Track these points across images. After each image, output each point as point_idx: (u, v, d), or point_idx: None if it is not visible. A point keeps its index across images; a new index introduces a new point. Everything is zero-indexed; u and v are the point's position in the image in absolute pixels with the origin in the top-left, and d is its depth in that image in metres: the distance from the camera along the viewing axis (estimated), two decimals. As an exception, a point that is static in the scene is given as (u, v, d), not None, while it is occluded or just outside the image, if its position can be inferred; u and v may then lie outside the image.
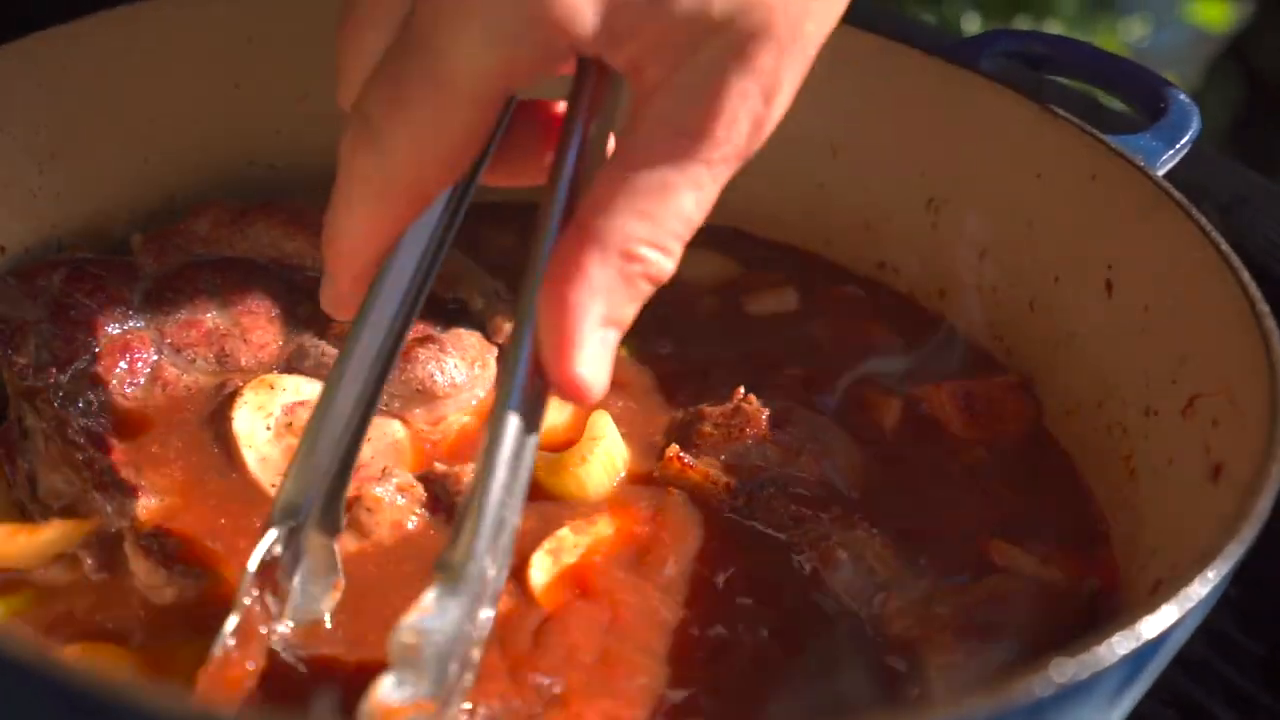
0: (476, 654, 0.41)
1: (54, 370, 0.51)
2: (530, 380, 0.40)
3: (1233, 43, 1.38)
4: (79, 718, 0.30)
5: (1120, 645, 0.33)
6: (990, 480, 0.59)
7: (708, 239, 0.69)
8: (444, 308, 0.61)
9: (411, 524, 0.51)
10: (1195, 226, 0.54)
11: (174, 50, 0.65)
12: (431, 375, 0.56)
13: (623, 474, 0.55)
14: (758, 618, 0.49)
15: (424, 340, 0.57)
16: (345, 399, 0.43)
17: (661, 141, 0.40)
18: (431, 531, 0.51)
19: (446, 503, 0.52)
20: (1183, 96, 0.62)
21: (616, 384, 0.56)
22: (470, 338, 0.59)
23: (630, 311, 0.41)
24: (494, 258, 0.65)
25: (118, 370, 0.52)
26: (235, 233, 0.59)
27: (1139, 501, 0.54)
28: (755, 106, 0.41)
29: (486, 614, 0.41)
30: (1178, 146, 0.60)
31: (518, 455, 0.40)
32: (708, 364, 0.63)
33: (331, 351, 0.56)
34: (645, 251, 0.40)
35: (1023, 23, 1.80)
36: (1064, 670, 0.32)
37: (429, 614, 0.39)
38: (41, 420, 0.48)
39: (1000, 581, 0.52)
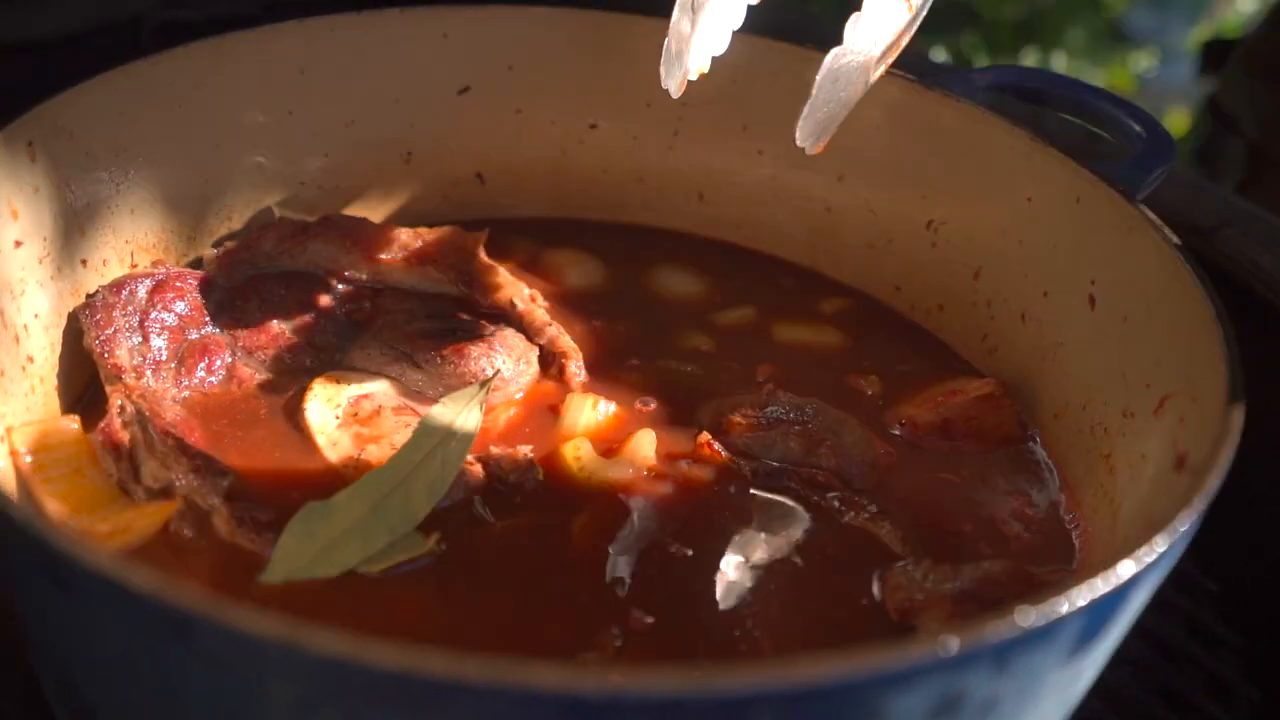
0: None
1: (145, 371, 0.57)
2: None
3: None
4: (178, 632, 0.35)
5: (1079, 597, 0.38)
6: (984, 477, 0.64)
7: (728, 264, 0.76)
8: (487, 313, 0.66)
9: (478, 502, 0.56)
10: (1167, 245, 0.59)
11: (234, 82, 0.70)
12: (484, 369, 0.62)
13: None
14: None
15: (475, 339, 0.63)
16: None
17: None
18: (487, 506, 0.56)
19: (501, 479, 0.57)
20: (1160, 128, 0.67)
21: (657, 389, 0.64)
22: (515, 338, 0.64)
23: None
24: (527, 268, 0.72)
25: (199, 370, 0.58)
26: (296, 247, 0.65)
27: (1116, 495, 0.59)
28: None
29: None
30: (1155, 174, 0.66)
31: None
32: (737, 365, 0.69)
33: (381, 351, 0.62)
34: None
35: (1030, 55, 1.86)
36: (1026, 616, 0.37)
37: None
38: (137, 415, 0.54)
39: (993, 565, 0.57)
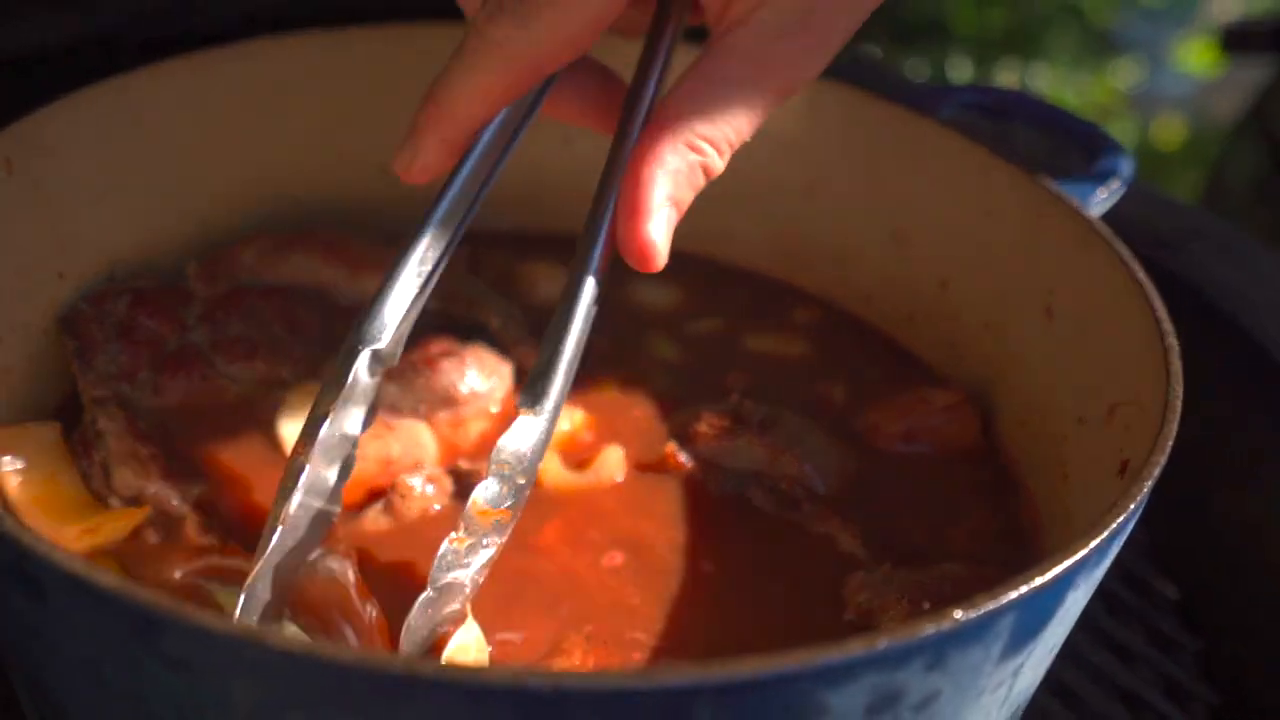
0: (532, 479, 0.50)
1: (122, 381, 0.59)
2: (604, 251, 0.52)
3: (1255, 106, 1.39)
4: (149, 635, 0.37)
5: (1010, 596, 0.40)
6: (947, 484, 0.66)
7: (699, 275, 0.78)
8: (462, 326, 0.68)
9: (437, 509, 0.58)
10: (1118, 258, 0.61)
11: (214, 97, 0.72)
12: (455, 383, 0.63)
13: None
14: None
15: (447, 353, 0.64)
16: (424, 250, 0.52)
17: (735, 67, 0.52)
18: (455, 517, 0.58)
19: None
20: (1116, 145, 0.69)
21: (627, 399, 0.65)
22: (487, 353, 0.66)
23: (688, 196, 0.52)
24: (502, 282, 0.73)
25: (176, 381, 0.60)
26: (278, 260, 0.67)
27: (1069, 500, 0.60)
28: (815, 55, 0.53)
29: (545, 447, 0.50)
30: (1112, 189, 0.67)
31: (589, 314, 0.51)
32: (706, 374, 0.71)
33: None
34: (706, 146, 0.51)
35: (1011, 65, 1.88)
36: (959, 613, 0.39)
37: (518, 436, 0.49)
38: (113, 423, 0.55)
39: (951, 567, 0.58)
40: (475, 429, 0.64)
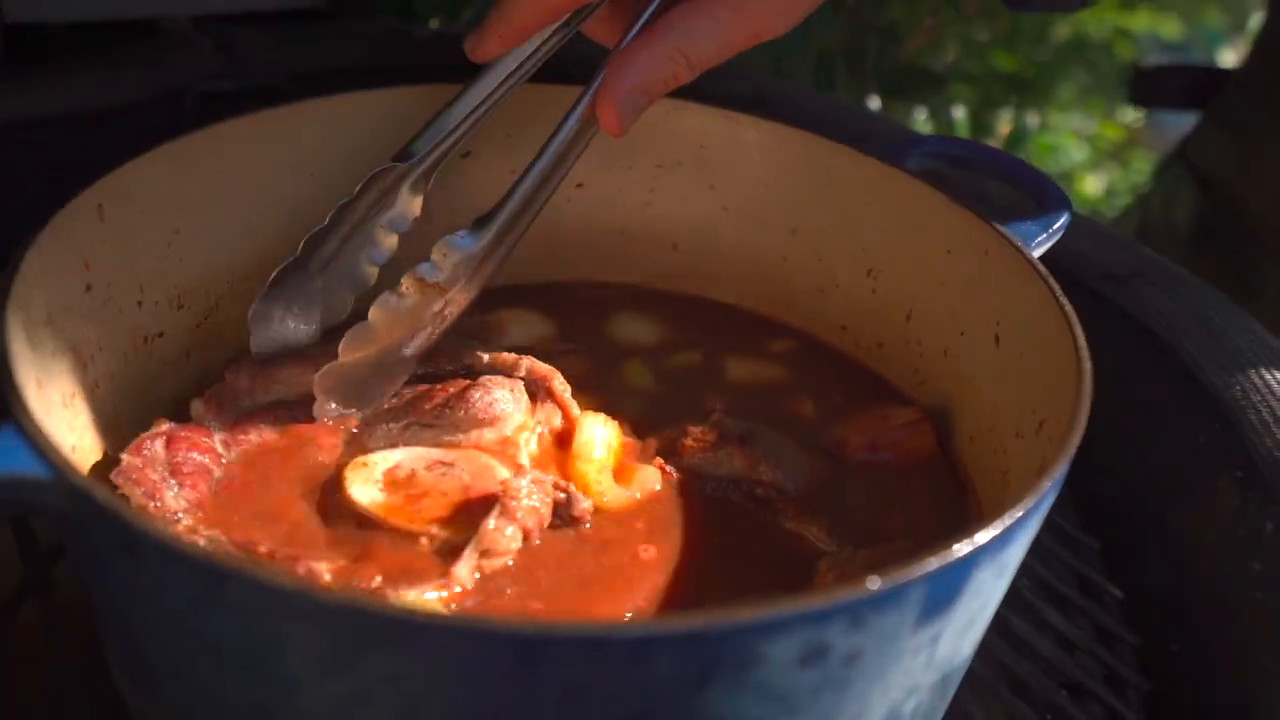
0: (453, 309, 0.73)
1: (195, 510, 0.65)
2: (581, 123, 0.72)
3: (1180, 145, 1.40)
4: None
5: (917, 570, 0.49)
6: (906, 487, 0.75)
7: (686, 308, 0.87)
8: (454, 373, 0.76)
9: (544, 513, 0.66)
10: (1050, 292, 0.70)
11: (268, 150, 0.82)
12: (488, 405, 0.71)
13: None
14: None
15: (469, 387, 0.72)
16: (475, 91, 0.78)
17: (718, 9, 0.69)
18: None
19: (567, 514, 0.67)
20: (1057, 190, 0.78)
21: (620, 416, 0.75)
22: (498, 378, 0.74)
23: (657, 91, 0.70)
24: (474, 334, 0.82)
25: (238, 500, 0.66)
26: (267, 382, 0.74)
27: (1009, 502, 0.69)
28: (783, 16, 0.70)
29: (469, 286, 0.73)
30: (1052, 230, 0.77)
31: (553, 170, 0.73)
32: (694, 396, 0.80)
33: (389, 428, 0.72)
34: (680, 59, 0.69)
35: (1020, 106, 1.95)
36: (874, 581, 0.48)
37: (459, 237, 0.71)
38: (211, 539, 0.61)
39: (902, 544, 0.67)
40: (523, 444, 0.71)
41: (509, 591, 0.61)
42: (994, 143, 1.70)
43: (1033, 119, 2.22)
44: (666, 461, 0.73)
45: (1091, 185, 2.75)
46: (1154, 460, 0.89)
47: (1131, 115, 2.57)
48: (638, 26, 0.72)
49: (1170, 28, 2.73)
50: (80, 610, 0.69)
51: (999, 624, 0.84)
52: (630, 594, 0.63)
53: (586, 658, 0.45)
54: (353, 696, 0.48)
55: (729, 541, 0.69)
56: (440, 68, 0.97)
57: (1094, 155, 2.77)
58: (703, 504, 0.71)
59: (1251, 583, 0.77)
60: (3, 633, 0.72)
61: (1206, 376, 0.83)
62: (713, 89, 0.86)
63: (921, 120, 1.70)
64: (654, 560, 0.66)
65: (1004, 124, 1.80)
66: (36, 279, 0.63)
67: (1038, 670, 0.80)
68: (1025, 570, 0.89)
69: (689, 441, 0.74)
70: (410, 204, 0.78)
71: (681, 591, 0.64)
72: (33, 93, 0.99)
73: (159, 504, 0.63)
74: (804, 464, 0.74)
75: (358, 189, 0.78)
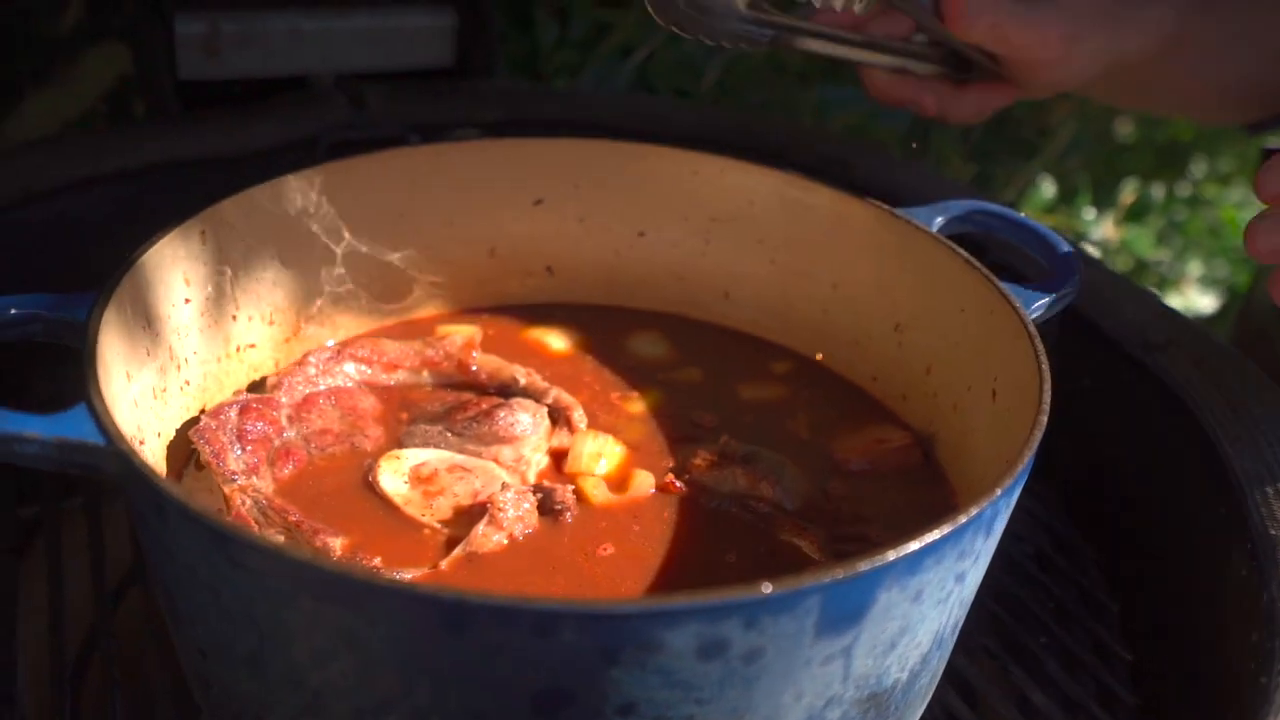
0: None
1: (251, 474, 0.76)
2: None
3: None
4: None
5: (810, 581, 0.54)
6: (900, 510, 0.80)
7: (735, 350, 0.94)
8: (487, 390, 0.86)
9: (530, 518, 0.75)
10: (1033, 351, 0.74)
11: (360, 184, 0.94)
12: (510, 425, 0.81)
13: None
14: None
15: (498, 405, 0.82)
16: None
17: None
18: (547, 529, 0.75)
19: (549, 506, 0.76)
20: (1068, 257, 0.82)
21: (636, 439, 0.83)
22: (527, 401, 0.83)
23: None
24: (514, 350, 0.92)
25: (288, 467, 0.78)
26: (333, 367, 0.86)
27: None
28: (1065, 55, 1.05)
29: None
30: (1060, 293, 0.81)
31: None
32: (705, 420, 0.88)
33: (427, 429, 0.82)
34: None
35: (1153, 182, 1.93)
36: (766, 587, 0.54)
37: None
38: (256, 504, 0.72)
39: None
40: (535, 461, 0.82)
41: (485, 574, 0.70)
42: (1116, 214, 1.70)
43: (1183, 189, 2.19)
44: (676, 478, 0.80)
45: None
46: (1172, 527, 0.90)
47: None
48: None
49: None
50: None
51: (999, 673, 0.87)
52: (594, 587, 0.70)
53: (499, 625, 0.53)
54: (326, 651, 0.57)
55: (720, 547, 0.76)
56: (555, 124, 1.07)
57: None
58: (699, 513, 0.78)
59: (1248, 653, 0.78)
60: (105, 621, 0.84)
61: (1224, 447, 0.84)
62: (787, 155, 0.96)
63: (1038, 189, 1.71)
64: (613, 557, 0.73)
65: (1127, 194, 1.79)
66: (139, 289, 0.76)
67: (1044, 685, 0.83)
68: (1042, 628, 0.92)
69: (697, 461, 0.82)
70: None
71: (644, 588, 0.71)
72: (193, 137, 1.15)
73: (221, 463, 0.74)
74: (800, 481, 0.81)
75: None
